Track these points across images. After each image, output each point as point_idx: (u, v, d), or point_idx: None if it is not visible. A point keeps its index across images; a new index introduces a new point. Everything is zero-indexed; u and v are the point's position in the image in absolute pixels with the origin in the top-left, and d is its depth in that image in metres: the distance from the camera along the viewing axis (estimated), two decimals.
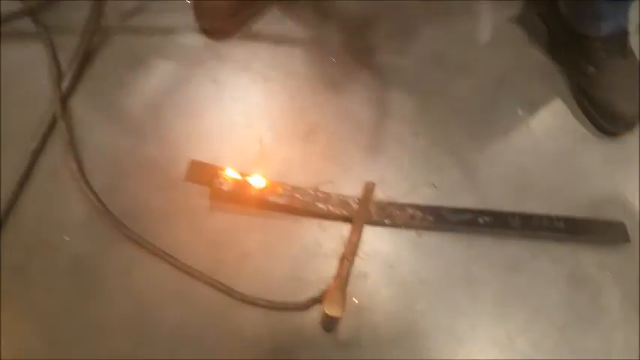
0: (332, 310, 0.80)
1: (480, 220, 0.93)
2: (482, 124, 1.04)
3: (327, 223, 0.94)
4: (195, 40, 1.04)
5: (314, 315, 0.85)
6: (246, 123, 1.00)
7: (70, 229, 0.92)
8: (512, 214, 0.95)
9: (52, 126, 0.97)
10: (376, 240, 0.93)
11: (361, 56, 1.06)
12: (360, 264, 0.90)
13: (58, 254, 0.90)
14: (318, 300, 0.85)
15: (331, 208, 0.91)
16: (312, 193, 0.92)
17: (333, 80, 1.04)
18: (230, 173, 0.89)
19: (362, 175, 0.97)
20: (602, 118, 1.03)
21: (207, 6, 1.02)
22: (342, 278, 0.84)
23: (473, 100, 1.05)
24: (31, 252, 0.90)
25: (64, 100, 0.98)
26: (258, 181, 0.90)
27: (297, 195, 0.91)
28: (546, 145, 1.04)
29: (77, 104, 0.99)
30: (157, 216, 0.93)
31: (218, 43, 1.04)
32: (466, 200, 0.98)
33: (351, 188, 0.96)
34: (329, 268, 0.90)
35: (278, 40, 1.06)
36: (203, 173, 0.89)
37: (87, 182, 0.93)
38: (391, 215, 0.92)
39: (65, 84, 0.99)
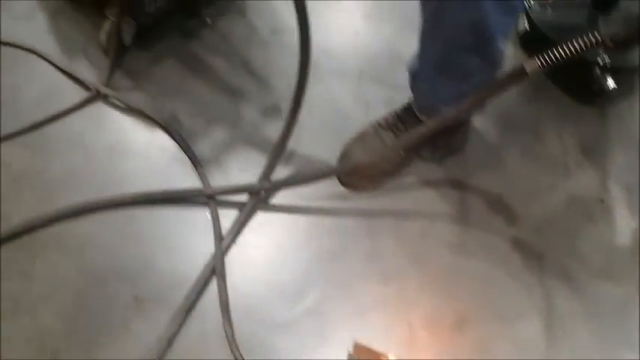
0: None
1: None
2: (624, 334, 1.03)
3: None
4: (350, 211, 1.08)
5: None
6: (395, 304, 1.00)
7: None
8: None
9: (206, 284, 0.98)
10: None
11: (512, 246, 1.08)
12: None
13: None
14: None
15: None
16: None
17: (480, 269, 1.05)
18: None
19: None
20: None
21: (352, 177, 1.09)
22: None
23: (613, 308, 1.04)
24: None
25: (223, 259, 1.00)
26: None
27: None
28: None
29: (233, 266, 1.01)
30: None
31: (373, 218, 1.08)
32: None
33: None
34: None
35: (426, 217, 1.09)
36: (367, 357, 0.87)
37: (237, 349, 0.91)
38: None
39: (225, 243, 1.01)
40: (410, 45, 1.00)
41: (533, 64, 0.79)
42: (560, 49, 0.76)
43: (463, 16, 0.86)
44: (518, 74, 0.81)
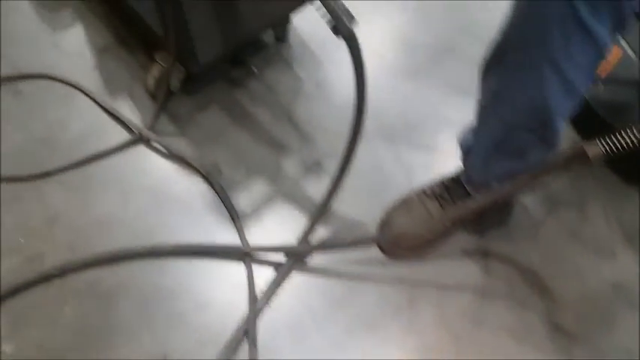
0: None
1: None
2: None
3: None
4: (389, 278, 1.05)
5: None
6: None
7: None
8: None
9: (237, 347, 0.94)
10: None
11: (550, 328, 1.03)
12: None
13: None
14: None
15: None
16: None
17: (519, 352, 1.01)
18: None
19: None
20: None
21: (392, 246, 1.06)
22: None
23: None
24: None
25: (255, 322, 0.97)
26: None
27: None
28: None
29: (265, 329, 0.98)
30: None
31: (413, 288, 1.05)
32: None
33: None
34: None
35: (467, 291, 1.06)
36: None
37: None
38: None
39: (259, 305, 0.98)
40: (451, 110, 0.97)
41: (595, 150, 0.77)
42: (628, 136, 0.74)
43: (525, 96, 0.84)
44: (580, 158, 0.78)
